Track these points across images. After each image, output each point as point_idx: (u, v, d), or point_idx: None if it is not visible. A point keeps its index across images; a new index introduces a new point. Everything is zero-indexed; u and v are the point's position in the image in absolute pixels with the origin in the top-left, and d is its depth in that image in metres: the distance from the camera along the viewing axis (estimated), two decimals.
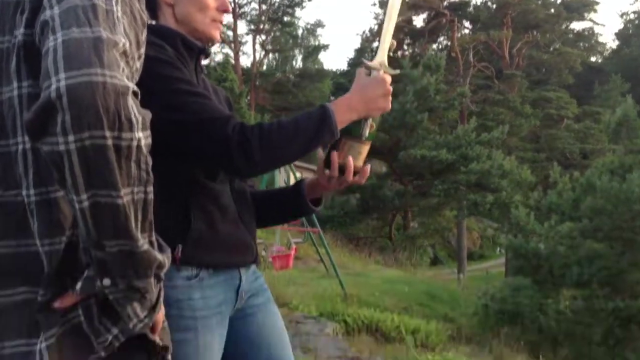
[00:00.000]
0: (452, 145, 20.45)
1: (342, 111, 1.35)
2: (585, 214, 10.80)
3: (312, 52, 38.70)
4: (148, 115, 0.86)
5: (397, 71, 1.45)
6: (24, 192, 0.91)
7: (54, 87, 0.78)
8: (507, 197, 18.70)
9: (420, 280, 13.70)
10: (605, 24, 71.63)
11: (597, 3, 37.76)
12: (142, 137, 0.84)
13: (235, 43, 34.12)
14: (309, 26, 38.21)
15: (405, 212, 22.74)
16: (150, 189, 0.88)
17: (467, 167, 19.38)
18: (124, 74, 0.83)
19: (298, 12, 37.75)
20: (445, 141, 20.78)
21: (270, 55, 37.84)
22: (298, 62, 38.80)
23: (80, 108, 0.78)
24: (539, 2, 34.71)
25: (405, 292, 11.49)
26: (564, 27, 38.02)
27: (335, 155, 1.42)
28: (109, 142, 0.80)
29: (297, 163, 20.39)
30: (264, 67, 36.83)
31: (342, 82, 40.57)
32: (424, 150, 20.06)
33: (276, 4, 35.32)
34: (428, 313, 10.37)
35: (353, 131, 1.41)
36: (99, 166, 0.80)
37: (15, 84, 0.92)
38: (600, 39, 44.56)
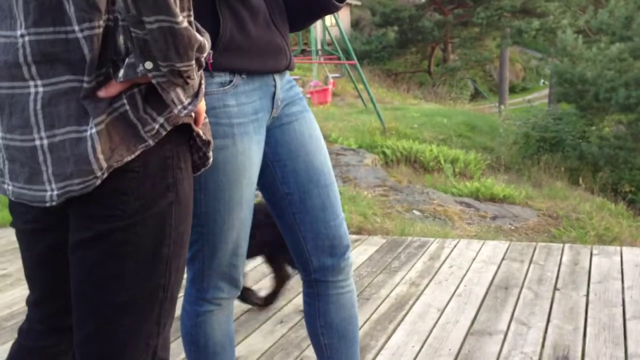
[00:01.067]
0: None
1: None
2: (637, 33, 10.19)
3: None
4: None
5: None
6: None
7: None
8: (554, 22, 17.68)
9: (459, 112, 13.57)
10: None
11: None
12: None
13: None
14: None
15: (445, 45, 21.92)
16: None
17: None
18: None
19: None
20: None
21: None
22: None
23: None
24: None
25: (444, 124, 11.45)
26: None
27: None
28: None
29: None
30: None
31: None
32: None
33: None
34: (467, 144, 10.40)
35: None
36: None
37: None
38: None
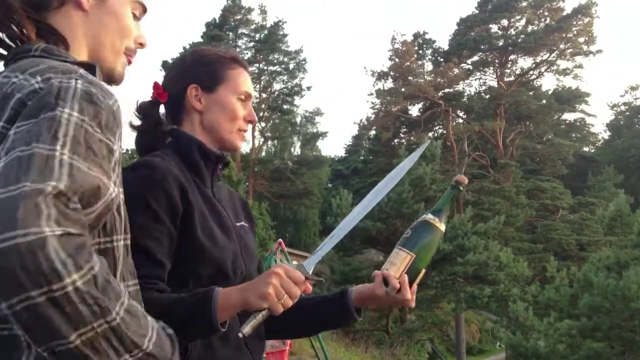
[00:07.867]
0: (448, 235, 20.42)
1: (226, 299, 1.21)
2: (584, 312, 10.68)
3: (311, 139, 39.31)
4: (87, 245, 0.84)
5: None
6: None
7: None
8: (504, 290, 18.50)
9: None
10: (596, 115, 73.69)
11: (588, 94, 38.76)
12: (78, 277, 0.81)
13: None
14: (307, 114, 38.74)
15: None
16: (115, 312, 0.85)
17: (464, 257, 19.28)
18: (45, 219, 0.81)
19: (297, 100, 38.20)
20: None
21: (269, 142, 38.47)
22: (296, 149, 39.29)
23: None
24: (531, 94, 35.73)
25: None
26: (555, 118, 38.95)
27: (391, 274, 1.37)
28: (40, 299, 0.78)
29: (290, 250, 20.11)
30: (263, 154, 37.35)
31: (339, 169, 41.12)
32: None
33: (276, 93, 36.32)
34: None
35: (417, 265, 1.40)
36: (41, 324, 0.80)
37: None
38: (592, 130, 45.50)
